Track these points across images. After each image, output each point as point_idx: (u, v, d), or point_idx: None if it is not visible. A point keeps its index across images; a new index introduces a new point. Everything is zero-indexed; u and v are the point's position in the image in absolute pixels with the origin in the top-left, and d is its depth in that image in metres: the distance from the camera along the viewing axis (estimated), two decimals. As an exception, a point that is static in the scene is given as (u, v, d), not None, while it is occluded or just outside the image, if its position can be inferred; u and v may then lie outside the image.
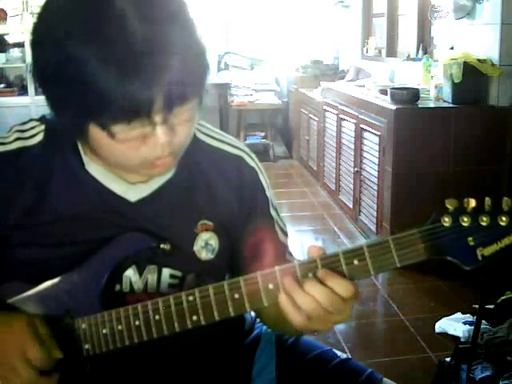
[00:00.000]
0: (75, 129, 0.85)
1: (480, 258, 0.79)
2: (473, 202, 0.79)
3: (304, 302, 0.82)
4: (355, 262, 0.82)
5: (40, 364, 0.86)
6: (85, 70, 0.75)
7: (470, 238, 0.79)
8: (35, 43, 0.82)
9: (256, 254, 0.97)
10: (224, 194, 1.01)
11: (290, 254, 1.09)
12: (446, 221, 0.80)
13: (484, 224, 0.78)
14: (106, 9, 0.76)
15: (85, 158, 0.95)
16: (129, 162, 0.88)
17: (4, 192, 0.94)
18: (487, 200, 0.79)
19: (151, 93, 0.77)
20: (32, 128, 0.99)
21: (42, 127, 0.98)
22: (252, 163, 1.05)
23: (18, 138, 0.97)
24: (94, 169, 0.95)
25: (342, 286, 0.81)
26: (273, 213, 1.07)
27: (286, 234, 1.10)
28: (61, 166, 0.96)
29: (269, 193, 1.07)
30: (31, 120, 1.01)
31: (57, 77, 0.79)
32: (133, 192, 0.97)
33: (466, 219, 0.79)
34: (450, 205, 0.81)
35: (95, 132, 0.82)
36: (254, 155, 1.08)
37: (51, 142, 0.96)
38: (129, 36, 0.75)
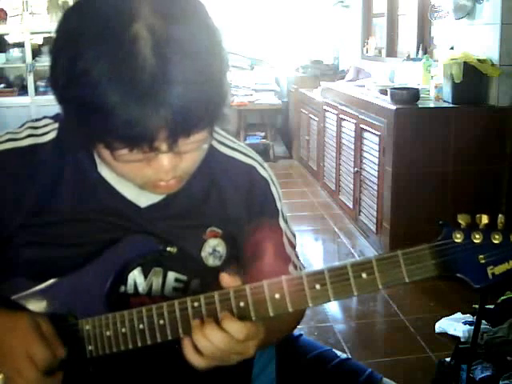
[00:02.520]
0: (83, 141, 0.85)
1: (490, 276, 0.78)
2: (485, 219, 0.78)
3: (203, 346, 0.83)
4: (363, 275, 0.81)
5: (44, 364, 0.86)
6: (92, 90, 0.73)
7: (481, 256, 0.78)
8: (51, 55, 0.80)
9: (259, 264, 0.97)
10: (234, 203, 1.01)
11: (295, 267, 1.09)
12: (458, 237, 0.79)
13: (496, 242, 0.77)
14: (120, 34, 0.73)
15: (98, 160, 0.94)
16: (132, 181, 0.87)
17: (13, 190, 0.93)
18: (500, 217, 0.78)
19: (154, 123, 0.74)
20: (45, 125, 0.98)
21: (56, 125, 0.97)
22: (264, 173, 1.05)
23: (31, 135, 0.96)
24: (106, 172, 0.94)
25: (238, 330, 0.83)
26: (282, 224, 1.07)
27: (293, 245, 1.10)
28: (72, 165, 0.95)
29: (280, 204, 1.06)
30: (45, 117, 1.00)
31: (66, 92, 0.77)
32: (144, 198, 0.96)
33: (477, 236, 0.78)
34: (462, 220, 0.79)
35: (101, 149, 0.81)
36: (266, 165, 1.07)
37: (64, 141, 0.95)
38: (138, 65, 0.72)
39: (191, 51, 0.75)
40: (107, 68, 0.73)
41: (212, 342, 0.83)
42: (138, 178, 0.85)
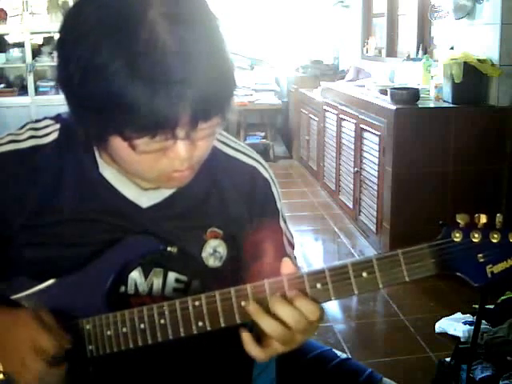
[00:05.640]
0: (95, 138, 0.84)
1: (489, 275, 0.78)
2: (484, 218, 0.79)
3: (269, 325, 0.82)
4: (364, 274, 0.81)
5: (50, 351, 0.86)
6: (112, 82, 0.74)
7: (480, 255, 0.78)
8: (61, 53, 0.80)
9: (259, 264, 0.97)
10: (235, 203, 1.01)
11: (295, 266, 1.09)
12: (457, 236, 0.79)
13: (494, 241, 0.78)
14: (136, 22, 0.74)
15: (99, 161, 0.94)
16: (146, 174, 0.87)
17: (15, 191, 0.93)
18: (498, 216, 0.78)
19: (178, 108, 0.75)
20: (46, 126, 0.98)
21: (57, 126, 0.97)
22: (266, 174, 1.05)
23: (32, 137, 0.96)
24: (109, 172, 0.94)
25: (309, 309, 0.82)
26: (282, 225, 1.07)
27: (292, 246, 1.10)
28: (74, 166, 0.95)
29: (280, 205, 1.07)
30: (45, 118, 1.00)
31: (83, 88, 0.77)
32: (145, 198, 0.96)
33: (476, 235, 0.79)
34: (460, 220, 0.80)
35: (116, 142, 0.81)
36: (268, 166, 1.07)
37: (65, 142, 0.95)
38: (159, 50, 0.73)
39: (206, 34, 0.78)
40: (127, 57, 0.73)
41: (282, 318, 0.82)
42: (152, 171, 0.85)
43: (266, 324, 0.82)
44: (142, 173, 0.87)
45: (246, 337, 0.84)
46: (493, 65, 3.25)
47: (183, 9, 0.77)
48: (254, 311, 0.83)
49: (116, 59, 0.73)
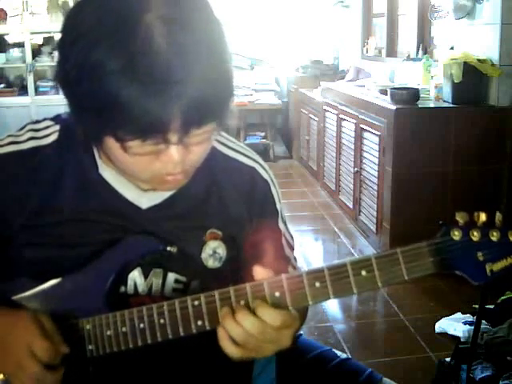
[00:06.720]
0: (92, 137, 0.85)
1: (489, 273, 0.78)
2: (483, 216, 0.79)
3: (236, 334, 0.82)
4: (363, 272, 0.81)
5: (46, 358, 0.86)
6: (106, 82, 0.74)
7: (480, 253, 0.78)
8: (60, 51, 0.80)
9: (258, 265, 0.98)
10: (235, 205, 1.01)
11: (294, 268, 1.09)
12: (456, 234, 0.79)
13: (494, 239, 0.78)
14: (134, 23, 0.74)
15: (99, 162, 0.94)
16: (140, 175, 0.87)
17: (15, 192, 0.93)
18: (498, 215, 0.78)
19: (170, 113, 0.75)
20: (46, 127, 0.98)
21: (57, 127, 0.98)
22: (265, 175, 1.05)
23: (32, 138, 0.96)
24: (108, 173, 0.94)
25: (273, 317, 0.82)
26: (281, 226, 1.07)
27: (292, 247, 1.10)
28: (74, 167, 0.95)
29: (279, 206, 1.07)
30: (45, 119, 1.00)
31: (78, 86, 0.77)
32: (145, 199, 0.96)
33: (476, 233, 0.78)
34: (460, 218, 0.80)
35: (110, 143, 0.81)
36: (267, 166, 1.07)
37: (65, 143, 0.96)
38: (153, 54, 0.73)
39: (204, 39, 0.77)
40: (122, 58, 0.73)
41: (245, 328, 0.82)
42: (146, 172, 0.85)
43: (233, 330, 0.83)
44: (137, 174, 0.87)
45: (222, 334, 0.84)
46: (493, 65, 3.25)
47: (183, 12, 0.77)
48: (223, 316, 0.84)
49: (111, 59, 0.74)
